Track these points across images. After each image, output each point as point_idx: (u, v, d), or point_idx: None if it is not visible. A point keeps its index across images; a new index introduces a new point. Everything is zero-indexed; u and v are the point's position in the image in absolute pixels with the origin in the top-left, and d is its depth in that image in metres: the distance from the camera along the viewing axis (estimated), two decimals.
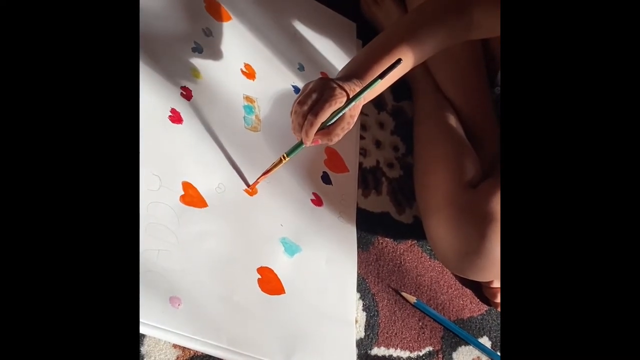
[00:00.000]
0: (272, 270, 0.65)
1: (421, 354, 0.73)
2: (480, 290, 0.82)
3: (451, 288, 0.80)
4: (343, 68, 0.71)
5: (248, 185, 0.68)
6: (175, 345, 0.57)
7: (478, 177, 0.77)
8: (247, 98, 0.74)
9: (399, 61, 0.64)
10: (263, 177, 0.68)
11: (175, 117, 0.66)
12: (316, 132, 0.65)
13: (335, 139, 0.66)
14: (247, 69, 0.75)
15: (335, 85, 0.64)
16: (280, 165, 0.68)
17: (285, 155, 0.67)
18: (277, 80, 0.78)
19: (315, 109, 0.64)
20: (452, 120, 0.82)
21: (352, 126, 0.67)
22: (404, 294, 0.75)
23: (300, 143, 0.66)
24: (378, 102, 0.87)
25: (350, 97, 0.65)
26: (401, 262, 0.78)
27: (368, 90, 0.65)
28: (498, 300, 0.81)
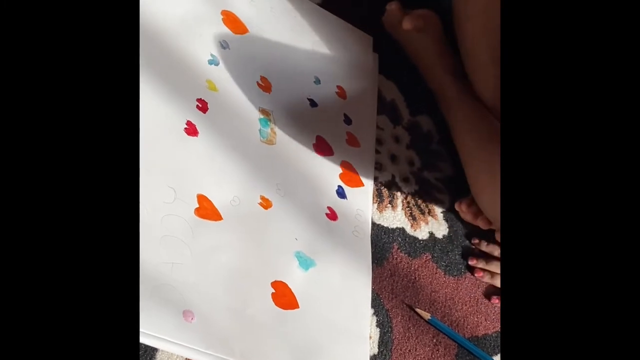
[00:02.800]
0: (286, 285, 0.66)
1: None
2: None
3: (466, 305, 0.81)
4: None
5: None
6: None
7: None
8: (263, 111, 0.74)
9: None
10: None
11: (191, 130, 0.67)
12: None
13: None
14: (263, 81, 0.76)
15: None
16: None
17: None
18: (293, 94, 0.79)
19: None
20: (494, 123, 0.83)
21: None
22: (418, 310, 0.75)
23: None
24: (394, 116, 0.88)
25: None
26: (416, 277, 0.78)
27: None
28: None
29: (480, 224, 0.85)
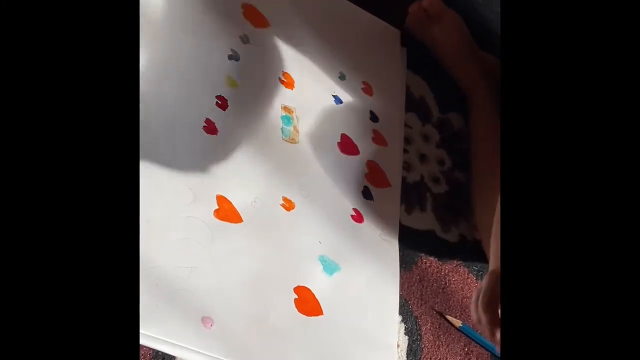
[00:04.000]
0: (310, 290, 0.64)
1: None
2: None
3: None
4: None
5: None
6: None
7: None
8: (285, 108, 0.73)
9: None
10: None
11: (210, 128, 0.66)
12: None
13: None
14: (285, 77, 0.75)
15: None
16: None
17: None
18: (317, 90, 0.77)
19: None
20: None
21: None
22: (448, 317, 0.74)
23: None
24: (423, 114, 0.86)
25: None
26: (446, 283, 0.76)
27: None
28: None
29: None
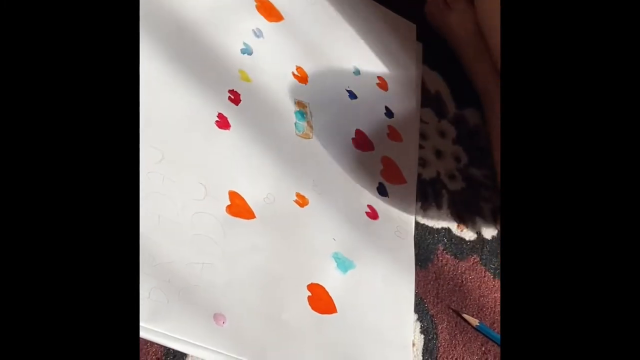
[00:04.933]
0: (324, 288, 0.64)
1: None
2: None
3: None
4: None
5: None
6: None
7: None
8: (299, 103, 0.73)
9: None
10: None
11: (223, 123, 0.66)
12: None
13: None
14: (299, 72, 0.75)
15: None
16: None
17: None
18: (330, 85, 0.77)
19: None
20: None
21: None
22: (465, 315, 0.73)
23: None
24: (439, 109, 0.86)
25: None
26: (462, 281, 0.75)
27: None
28: None
29: None
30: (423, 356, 0.68)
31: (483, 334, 0.73)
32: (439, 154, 0.83)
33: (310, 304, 0.62)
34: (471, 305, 0.75)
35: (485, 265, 0.78)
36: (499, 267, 0.79)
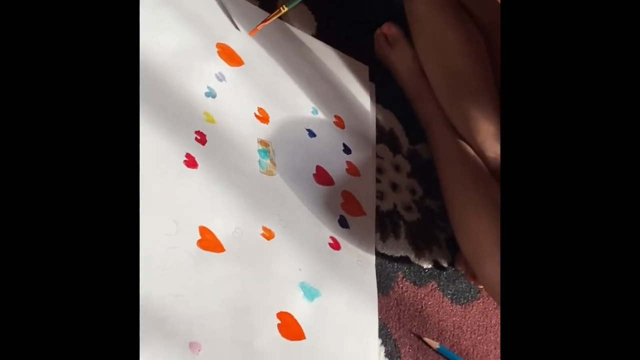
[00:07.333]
0: (292, 316, 0.67)
1: None
2: None
3: (474, 333, 0.82)
4: None
5: (237, 28, 0.81)
6: None
7: None
8: (262, 142, 0.77)
9: None
10: (262, 24, 0.80)
11: (191, 162, 0.69)
12: None
13: None
14: (260, 113, 0.79)
15: None
16: (279, 14, 0.79)
17: (284, 6, 0.79)
18: (291, 124, 0.81)
19: None
20: (479, 163, 0.84)
21: None
22: (426, 339, 0.77)
23: None
24: (393, 145, 0.90)
25: None
26: (422, 306, 0.79)
27: None
28: None
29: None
30: None
31: (444, 356, 0.77)
32: (395, 187, 0.87)
33: (280, 331, 0.66)
34: (431, 329, 0.78)
35: (443, 291, 0.82)
36: (456, 292, 0.83)
